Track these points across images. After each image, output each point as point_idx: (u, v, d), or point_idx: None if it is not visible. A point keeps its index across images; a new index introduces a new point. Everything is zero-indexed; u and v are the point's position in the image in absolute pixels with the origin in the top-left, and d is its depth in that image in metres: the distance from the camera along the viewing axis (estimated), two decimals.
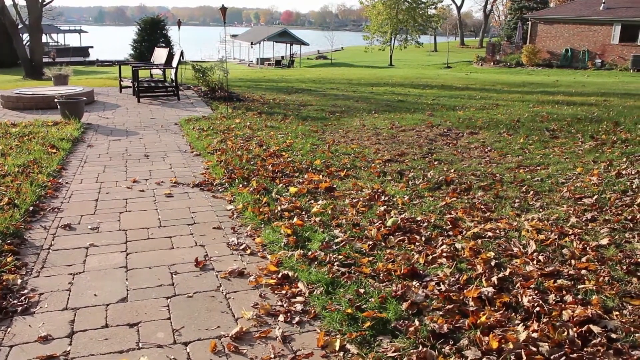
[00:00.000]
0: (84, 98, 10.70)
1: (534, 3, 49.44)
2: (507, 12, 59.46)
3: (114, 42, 63.82)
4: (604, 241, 4.21)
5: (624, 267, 3.73)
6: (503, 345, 2.80)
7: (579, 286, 3.47)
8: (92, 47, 57.68)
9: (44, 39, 40.65)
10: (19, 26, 25.92)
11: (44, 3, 24.50)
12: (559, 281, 3.52)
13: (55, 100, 9.97)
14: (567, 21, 36.80)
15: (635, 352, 2.78)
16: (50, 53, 42.85)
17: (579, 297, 3.32)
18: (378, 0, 50.58)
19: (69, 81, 15.58)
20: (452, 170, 6.39)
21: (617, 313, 3.13)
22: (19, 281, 3.63)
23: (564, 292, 3.40)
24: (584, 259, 3.88)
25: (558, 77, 25.24)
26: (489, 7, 74.01)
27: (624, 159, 6.83)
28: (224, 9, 15.59)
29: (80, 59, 44.80)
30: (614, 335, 2.91)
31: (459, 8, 76.40)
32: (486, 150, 7.60)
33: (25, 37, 26.71)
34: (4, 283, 3.56)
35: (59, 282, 3.65)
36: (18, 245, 4.22)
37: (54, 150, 7.26)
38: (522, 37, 41.35)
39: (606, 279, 3.56)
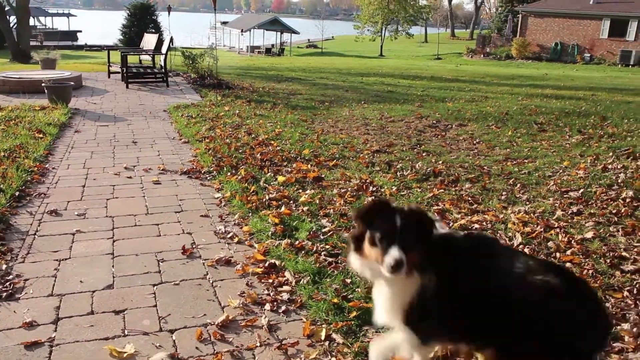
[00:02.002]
0: (72, 83, 10.61)
1: None
2: (498, 4, 59.36)
3: (102, 27, 63.13)
4: (589, 234, 4.25)
5: (608, 261, 3.78)
6: None
7: None
8: (80, 31, 57.00)
9: (32, 22, 40.09)
10: (6, 8, 25.55)
11: None
12: None
13: (43, 84, 9.88)
14: (558, 15, 36.92)
15: (617, 344, 2.82)
16: (37, 36, 42.26)
17: None
18: None
19: (57, 65, 15.42)
20: (440, 162, 6.41)
21: None
22: (4, 267, 3.61)
23: None
24: (568, 252, 3.92)
25: (547, 70, 25.36)
26: None
27: (610, 154, 6.88)
28: None
29: (68, 43, 44.25)
30: None
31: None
32: (474, 142, 7.63)
33: (13, 19, 26.32)
34: None
35: (44, 268, 3.63)
36: (3, 231, 4.19)
37: (41, 135, 7.20)
38: (513, 30, 41.43)
39: (590, 272, 3.60)
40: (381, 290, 2.35)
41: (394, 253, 2.08)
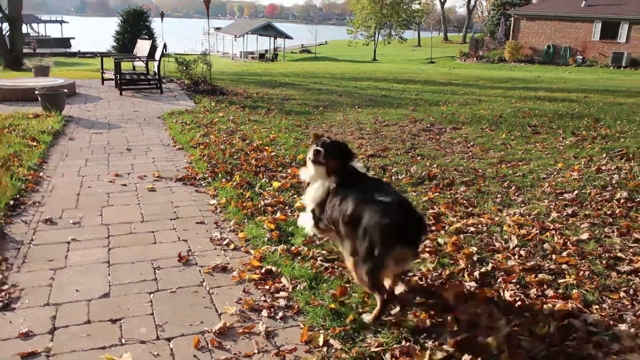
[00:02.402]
0: (66, 90, 10.58)
1: None
2: (490, 7, 59.67)
3: (95, 33, 63.07)
4: (584, 236, 4.27)
5: (604, 262, 3.79)
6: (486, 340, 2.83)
7: (560, 280, 3.52)
8: (73, 38, 56.93)
9: (25, 29, 40.01)
10: None
11: None
12: (540, 276, 3.57)
13: (36, 92, 9.84)
14: (549, 17, 37.12)
15: (615, 345, 2.82)
16: (30, 44, 42.22)
17: (560, 291, 3.37)
18: None
19: (50, 73, 15.38)
20: (435, 166, 6.43)
21: (597, 307, 3.18)
22: (0, 276, 3.59)
23: (545, 286, 3.44)
24: (564, 254, 3.93)
25: (540, 73, 25.48)
26: (472, 2, 74.44)
27: (604, 155, 6.91)
28: (207, 2, 15.45)
29: (61, 50, 44.20)
30: (594, 329, 2.95)
31: (442, 3, 76.69)
32: (469, 145, 7.65)
33: (5, 27, 26.28)
34: None
35: (40, 278, 3.61)
36: None
37: (35, 143, 7.17)
38: (505, 33, 41.62)
39: (586, 273, 3.61)
40: (311, 186, 3.51)
41: (315, 147, 3.35)
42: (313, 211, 3.51)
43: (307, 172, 3.50)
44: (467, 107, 11.33)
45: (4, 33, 25.59)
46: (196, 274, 3.71)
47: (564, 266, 3.74)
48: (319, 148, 3.32)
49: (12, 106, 10.37)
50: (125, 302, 3.32)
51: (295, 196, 5.20)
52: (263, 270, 3.66)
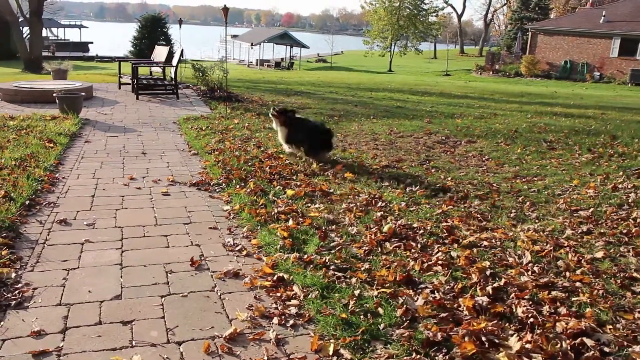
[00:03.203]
0: (83, 93, 10.69)
1: (534, 14, 49.65)
2: (508, 22, 59.67)
3: (114, 38, 63.68)
4: (599, 254, 4.22)
5: (618, 281, 3.74)
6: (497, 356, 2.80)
7: (573, 298, 3.48)
8: (92, 42, 57.55)
9: (44, 33, 40.57)
10: (20, 19, 25.85)
11: None
12: (554, 293, 3.53)
13: (54, 94, 9.96)
14: (567, 33, 36.99)
15: None
16: (50, 47, 42.75)
17: (573, 309, 3.33)
18: (379, 6, 50.69)
19: (68, 76, 15.55)
20: (450, 178, 6.40)
21: (611, 327, 3.13)
22: (13, 275, 3.61)
23: (558, 303, 3.40)
24: (578, 272, 3.89)
25: (556, 88, 25.37)
26: (489, 16, 74.41)
27: (621, 173, 6.85)
28: (225, 10, 15.57)
29: (79, 54, 44.68)
30: (607, 349, 2.91)
31: (459, 16, 76.75)
32: (483, 159, 7.62)
33: (26, 30, 26.63)
34: None
35: (53, 277, 3.64)
36: (13, 239, 4.20)
37: (52, 145, 7.24)
38: (522, 48, 41.51)
39: (600, 292, 3.57)
40: (278, 132, 7.23)
41: (271, 110, 7.23)
42: (287, 141, 7.14)
43: (274, 124, 7.29)
44: (483, 120, 11.29)
45: (24, 36, 25.96)
46: (208, 279, 3.71)
47: (577, 284, 3.69)
48: (272, 111, 7.21)
49: (30, 108, 10.50)
50: (137, 304, 3.33)
51: (309, 205, 5.20)
52: (275, 278, 3.66)
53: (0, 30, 31.84)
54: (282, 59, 50.75)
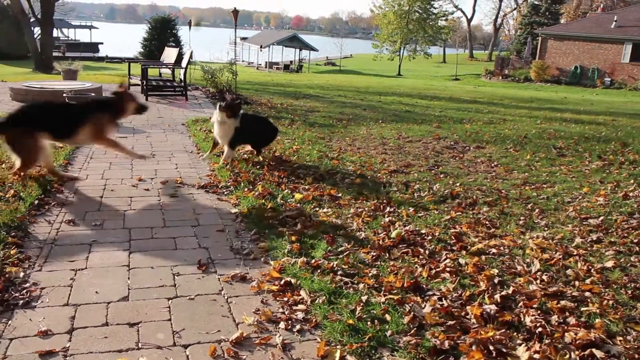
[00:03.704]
0: (93, 94, 10.71)
1: (544, 19, 49.41)
2: (518, 26, 59.49)
3: (123, 39, 63.88)
4: (609, 264, 4.18)
5: (629, 292, 3.70)
6: None
7: (583, 308, 3.45)
8: (102, 43, 57.83)
9: (55, 33, 40.79)
10: (31, 19, 26.03)
11: None
12: (562, 302, 3.50)
13: (64, 94, 9.99)
14: (578, 38, 36.80)
15: None
16: (60, 47, 43.01)
17: (582, 319, 3.30)
18: (389, 10, 50.65)
19: (78, 76, 15.62)
20: (458, 184, 6.38)
21: (621, 338, 3.10)
22: (22, 274, 3.62)
23: (567, 313, 3.38)
24: (588, 281, 3.86)
25: (566, 94, 25.25)
26: (499, 20, 74.16)
27: (632, 181, 6.80)
28: (235, 12, 15.65)
29: (89, 55, 44.91)
30: None
31: (469, 20, 76.53)
32: (492, 165, 7.59)
33: (37, 30, 26.80)
34: (7, 275, 3.56)
35: (61, 277, 3.64)
36: (22, 238, 4.21)
37: (61, 145, 7.25)
38: (532, 53, 41.35)
39: (610, 302, 3.54)
40: (220, 127, 6.64)
41: (219, 104, 6.64)
42: (229, 145, 6.75)
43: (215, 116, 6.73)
44: (492, 126, 11.25)
45: (35, 36, 26.13)
46: (215, 282, 3.71)
47: (587, 294, 3.66)
48: (221, 105, 6.67)
49: None
50: (144, 306, 3.33)
51: (317, 209, 5.19)
52: (282, 282, 3.65)
53: (11, 30, 32.15)
54: (291, 62, 50.81)
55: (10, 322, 3.08)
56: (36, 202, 5.00)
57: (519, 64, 41.79)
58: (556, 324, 3.24)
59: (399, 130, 10.06)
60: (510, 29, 76.51)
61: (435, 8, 51.72)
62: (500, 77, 39.15)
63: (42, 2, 24.06)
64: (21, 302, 3.28)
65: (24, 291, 3.41)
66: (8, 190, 5.12)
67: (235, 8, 15.72)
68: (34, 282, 3.55)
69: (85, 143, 6.58)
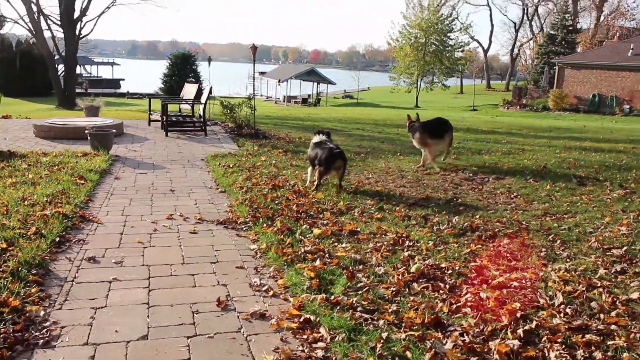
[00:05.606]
0: (114, 130, 10.91)
1: (561, 48, 49.51)
2: (534, 56, 59.57)
3: (144, 75, 65.21)
4: (635, 295, 4.09)
5: None
6: None
7: (609, 342, 3.37)
8: (123, 79, 59.09)
9: (78, 70, 41.79)
10: (55, 57, 26.72)
11: (80, 36, 25.25)
12: (588, 336, 3.42)
13: (86, 131, 10.18)
14: (595, 67, 36.74)
15: None
16: (83, 84, 44.00)
17: (609, 354, 3.22)
18: (405, 42, 51.05)
19: (100, 112, 15.92)
20: (478, 216, 6.33)
21: None
22: (42, 313, 3.65)
23: (593, 348, 3.30)
24: (613, 314, 3.77)
25: (585, 122, 25.10)
26: (515, 50, 74.42)
27: None
28: (254, 48, 15.89)
29: (111, 91, 45.86)
30: None
31: (485, 51, 76.92)
32: (512, 196, 7.52)
33: (61, 67, 27.50)
34: (27, 314, 3.58)
35: (81, 316, 3.66)
36: (42, 277, 4.26)
37: (82, 181, 7.37)
38: (549, 82, 41.33)
39: (637, 335, 3.45)
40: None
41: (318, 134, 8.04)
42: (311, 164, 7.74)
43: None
44: (511, 156, 11.19)
45: (59, 73, 26.78)
46: (234, 319, 3.69)
47: (613, 327, 3.58)
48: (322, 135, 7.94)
49: (62, 144, 10.75)
50: (163, 345, 3.32)
51: (336, 244, 5.18)
52: (302, 319, 3.62)
53: (37, 68, 32.98)
54: (309, 95, 51.32)
55: None
56: (57, 239, 5.06)
57: (537, 93, 41.75)
58: (582, 358, 3.17)
59: (417, 163, 10.04)
60: (527, 59, 76.57)
61: (451, 40, 52.09)
62: (518, 107, 39.10)
63: (67, 41, 24.74)
64: (41, 341, 3.30)
65: (44, 330, 3.42)
66: (30, 228, 5.19)
67: (253, 44, 15.98)
68: (54, 320, 3.57)
69: None
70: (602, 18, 60.77)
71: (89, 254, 4.81)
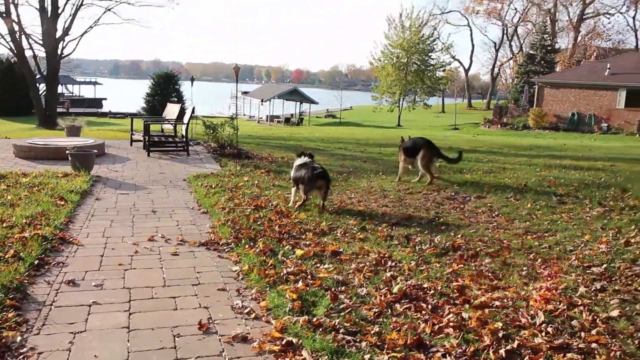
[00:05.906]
0: (95, 150, 10.81)
1: (540, 67, 50.35)
2: (514, 75, 60.49)
3: (127, 95, 65.00)
4: (615, 313, 4.12)
5: (636, 341, 3.65)
6: None
7: None
8: (105, 98, 58.80)
9: (60, 89, 41.54)
10: (37, 76, 26.54)
11: (62, 56, 25.13)
12: (569, 355, 3.45)
13: (67, 152, 10.10)
14: (573, 85, 37.39)
15: None
16: (64, 103, 43.70)
17: None
18: (387, 62, 51.50)
19: (82, 132, 15.80)
20: (460, 236, 6.36)
21: None
22: (19, 339, 3.58)
23: None
24: (594, 332, 3.80)
25: (565, 140, 25.42)
26: (496, 70, 75.41)
27: (633, 227, 6.77)
28: (237, 68, 15.95)
29: (93, 110, 45.61)
30: None
31: (466, 70, 77.87)
32: (493, 215, 7.58)
33: (42, 87, 27.29)
34: (3, 340, 3.52)
35: (59, 341, 3.60)
36: (20, 300, 4.19)
37: (63, 203, 7.29)
38: (529, 100, 41.91)
39: (618, 353, 3.48)
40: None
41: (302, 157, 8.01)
42: (295, 185, 7.81)
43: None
44: (492, 175, 11.28)
45: (40, 93, 26.59)
46: (216, 343, 3.66)
47: (593, 345, 3.60)
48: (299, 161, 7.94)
49: (43, 164, 10.64)
50: None
51: (319, 265, 5.16)
52: (284, 342, 3.59)
53: (18, 87, 32.71)
54: (291, 115, 51.47)
55: None
56: (36, 262, 4.98)
57: (517, 112, 42.29)
58: None
59: (399, 182, 10.09)
60: (507, 78, 77.72)
61: (433, 59, 52.66)
62: (499, 126, 39.51)
63: (48, 60, 24.59)
64: None
65: (21, 357, 3.37)
66: (8, 250, 5.11)
67: (236, 64, 16.05)
68: (31, 346, 3.51)
69: None
70: (579, 38, 62.08)
71: (68, 277, 4.75)
